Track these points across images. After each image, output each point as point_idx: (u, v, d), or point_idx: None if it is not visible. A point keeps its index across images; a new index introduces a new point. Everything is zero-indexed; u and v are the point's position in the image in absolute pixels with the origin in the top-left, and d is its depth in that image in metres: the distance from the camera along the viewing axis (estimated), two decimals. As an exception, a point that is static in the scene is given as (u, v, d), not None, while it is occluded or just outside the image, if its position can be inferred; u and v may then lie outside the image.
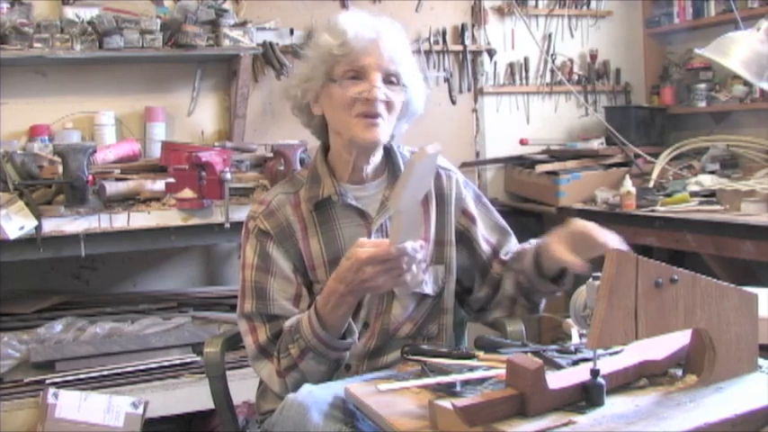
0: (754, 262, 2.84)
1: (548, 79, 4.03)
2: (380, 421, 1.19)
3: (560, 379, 1.14)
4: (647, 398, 1.15)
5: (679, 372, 1.25)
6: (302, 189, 1.63)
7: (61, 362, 2.70)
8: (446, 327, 1.70)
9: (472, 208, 1.73)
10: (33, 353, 2.71)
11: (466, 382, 1.26)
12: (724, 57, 2.20)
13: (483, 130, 3.94)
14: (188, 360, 2.81)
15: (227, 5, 3.19)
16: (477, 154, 3.93)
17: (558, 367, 1.27)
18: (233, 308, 3.04)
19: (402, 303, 1.61)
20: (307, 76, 1.58)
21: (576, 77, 4.08)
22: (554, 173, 3.65)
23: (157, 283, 3.36)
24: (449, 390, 1.25)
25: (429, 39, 3.75)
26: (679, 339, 1.26)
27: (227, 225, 2.66)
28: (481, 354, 1.37)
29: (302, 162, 2.72)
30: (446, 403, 1.11)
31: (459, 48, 3.84)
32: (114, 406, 2.57)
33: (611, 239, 1.44)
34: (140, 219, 2.64)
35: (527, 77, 4.00)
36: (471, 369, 1.31)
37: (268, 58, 3.30)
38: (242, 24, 3.15)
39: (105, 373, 2.70)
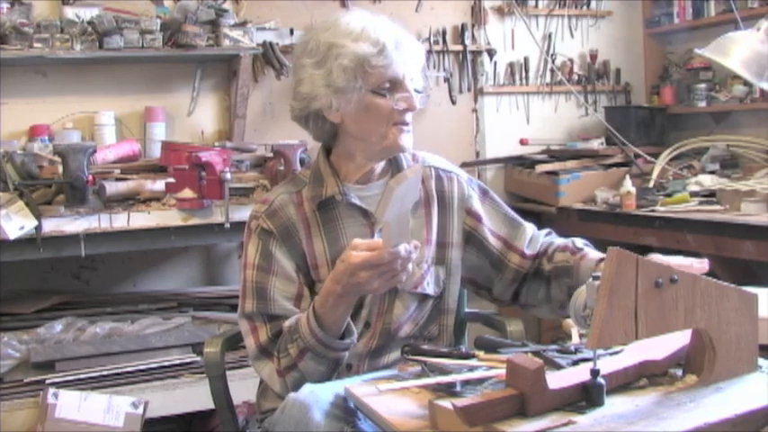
0: (754, 262, 2.84)
1: (548, 79, 4.03)
2: (380, 421, 1.19)
3: (560, 379, 1.14)
4: (647, 398, 1.15)
5: (679, 372, 1.25)
6: (305, 188, 1.63)
7: (61, 362, 2.70)
8: (447, 327, 1.70)
9: (477, 206, 1.72)
10: (33, 353, 2.71)
11: (466, 382, 1.26)
12: (724, 57, 2.20)
13: (483, 130, 3.93)
14: (188, 360, 2.81)
15: (227, 5, 3.19)
16: (477, 154, 3.93)
17: (558, 367, 1.27)
18: (233, 308, 3.05)
19: (404, 303, 1.61)
20: (336, 86, 1.52)
21: (576, 77, 4.08)
22: (554, 173, 3.65)
23: (157, 283, 3.36)
24: (449, 390, 1.25)
25: (429, 39, 3.74)
26: (679, 339, 1.26)
27: (227, 225, 2.66)
28: (481, 354, 1.37)
29: (302, 162, 2.72)
30: (446, 403, 1.10)
31: (460, 48, 3.84)
32: (114, 406, 2.57)
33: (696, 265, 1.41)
34: (140, 219, 2.64)
35: (527, 77, 4.00)
36: (471, 369, 1.31)
37: (268, 58, 3.30)
38: (242, 24, 3.15)
39: (105, 373, 2.70)
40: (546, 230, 1.76)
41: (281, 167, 2.74)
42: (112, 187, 2.70)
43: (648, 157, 3.66)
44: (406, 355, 1.41)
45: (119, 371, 2.72)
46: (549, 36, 4.03)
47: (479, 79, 3.90)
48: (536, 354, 1.33)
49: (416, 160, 1.73)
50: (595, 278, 1.24)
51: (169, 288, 3.32)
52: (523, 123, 4.00)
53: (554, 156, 3.84)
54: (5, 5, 2.89)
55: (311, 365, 1.46)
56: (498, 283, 1.72)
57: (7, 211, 2.44)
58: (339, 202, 1.61)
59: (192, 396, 2.68)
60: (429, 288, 1.64)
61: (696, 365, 1.22)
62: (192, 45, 3.00)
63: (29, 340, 2.77)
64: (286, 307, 1.54)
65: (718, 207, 3.05)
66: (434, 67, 3.79)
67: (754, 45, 2.17)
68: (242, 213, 2.68)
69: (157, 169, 2.91)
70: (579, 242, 1.65)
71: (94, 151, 2.73)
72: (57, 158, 2.69)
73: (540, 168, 3.71)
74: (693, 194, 3.22)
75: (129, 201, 2.73)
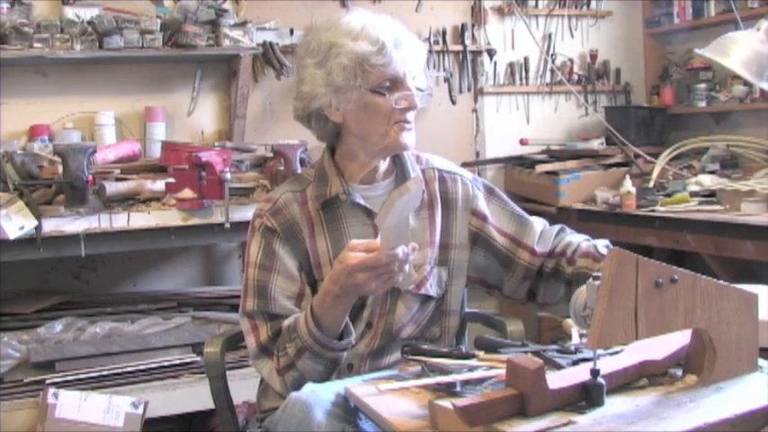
0: (754, 262, 2.84)
1: (548, 79, 4.03)
2: (380, 421, 1.19)
3: (560, 379, 1.14)
4: (647, 398, 1.15)
5: (679, 372, 1.25)
6: (309, 187, 1.63)
7: (61, 362, 2.70)
8: (449, 329, 1.70)
9: (483, 206, 1.72)
10: (33, 353, 2.71)
11: (466, 382, 1.26)
12: (724, 57, 2.19)
13: (483, 130, 3.93)
14: (188, 360, 2.81)
15: (227, 5, 3.19)
16: (477, 154, 3.93)
17: (558, 367, 1.27)
18: (233, 308, 3.05)
19: (406, 304, 1.61)
20: (335, 86, 1.52)
21: (575, 77, 4.08)
22: (554, 173, 3.65)
23: (157, 283, 3.36)
24: (449, 390, 1.25)
25: (429, 39, 3.74)
26: (679, 339, 1.26)
27: (227, 225, 2.66)
28: (481, 354, 1.37)
29: (302, 162, 2.72)
30: (446, 403, 1.10)
31: (460, 48, 3.84)
32: (114, 406, 2.57)
33: None
34: (140, 219, 2.64)
35: (527, 77, 4.00)
36: (471, 369, 1.31)
37: (268, 58, 3.30)
38: (242, 24, 3.15)
39: (105, 373, 2.70)
40: (558, 226, 1.73)
41: (281, 167, 2.74)
42: (112, 187, 2.70)
43: (648, 157, 3.66)
44: (406, 355, 1.41)
45: (119, 371, 2.72)
46: (549, 36, 4.03)
47: (479, 79, 3.90)
48: (536, 354, 1.33)
49: (420, 161, 1.73)
50: (595, 278, 1.24)
51: (169, 288, 3.32)
52: (523, 123, 4.00)
53: (554, 156, 3.84)
54: (5, 5, 2.89)
55: (309, 365, 1.46)
56: (509, 281, 1.71)
57: (7, 211, 2.44)
58: (343, 201, 1.61)
59: (192, 396, 2.68)
60: (432, 289, 1.64)
61: (696, 365, 1.22)
62: (192, 45, 3.00)
63: (29, 340, 2.77)
64: (286, 306, 1.55)
65: (718, 207, 3.05)
66: (434, 67, 3.79)
67: (754, 45, 2.16)
68: (242, 213, 2.69)
69: (157, 169, 2.91)
70: (602, 247, 1.60)
71: (94, 151, 2.73)
72: (57, 158, 2.69)
73: (540, 168, 3.71)
74: (693, 194, 3.22)
75: (129, 201, 2.73)
